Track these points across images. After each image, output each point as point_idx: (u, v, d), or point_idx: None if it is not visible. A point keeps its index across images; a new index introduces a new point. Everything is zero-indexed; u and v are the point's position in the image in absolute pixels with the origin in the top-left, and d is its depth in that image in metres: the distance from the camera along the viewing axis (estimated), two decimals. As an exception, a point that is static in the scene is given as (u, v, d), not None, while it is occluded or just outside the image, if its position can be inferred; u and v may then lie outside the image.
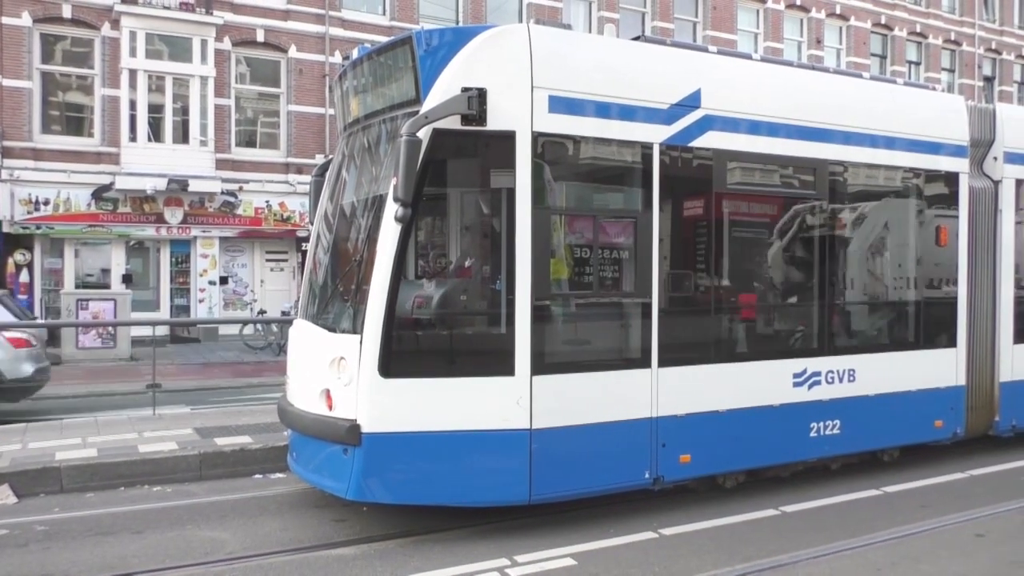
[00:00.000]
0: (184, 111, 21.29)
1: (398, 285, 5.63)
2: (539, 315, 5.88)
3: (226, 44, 21.93)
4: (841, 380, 7.36)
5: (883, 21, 31.25)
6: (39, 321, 16.07)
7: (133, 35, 20.61)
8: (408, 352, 5.83)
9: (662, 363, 6.37)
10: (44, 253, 20.81)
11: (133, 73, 20.59)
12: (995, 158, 8.55)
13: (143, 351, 16.75)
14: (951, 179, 8.16)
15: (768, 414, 6.92)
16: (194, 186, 21.03)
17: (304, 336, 6.53)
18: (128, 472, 7.31)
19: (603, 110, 6.20)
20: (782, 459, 7.22)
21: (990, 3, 34.78)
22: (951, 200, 8.20)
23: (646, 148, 6.38)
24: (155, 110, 20.95)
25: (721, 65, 6.99)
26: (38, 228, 20.27)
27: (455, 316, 6.20)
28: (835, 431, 7.31)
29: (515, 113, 5.83)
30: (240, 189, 22.05)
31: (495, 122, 5.77)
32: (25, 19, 20.06)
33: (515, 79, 5.84)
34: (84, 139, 21.07)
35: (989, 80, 34.48)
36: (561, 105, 5.99)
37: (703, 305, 6.81)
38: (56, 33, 20.80)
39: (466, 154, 6.10)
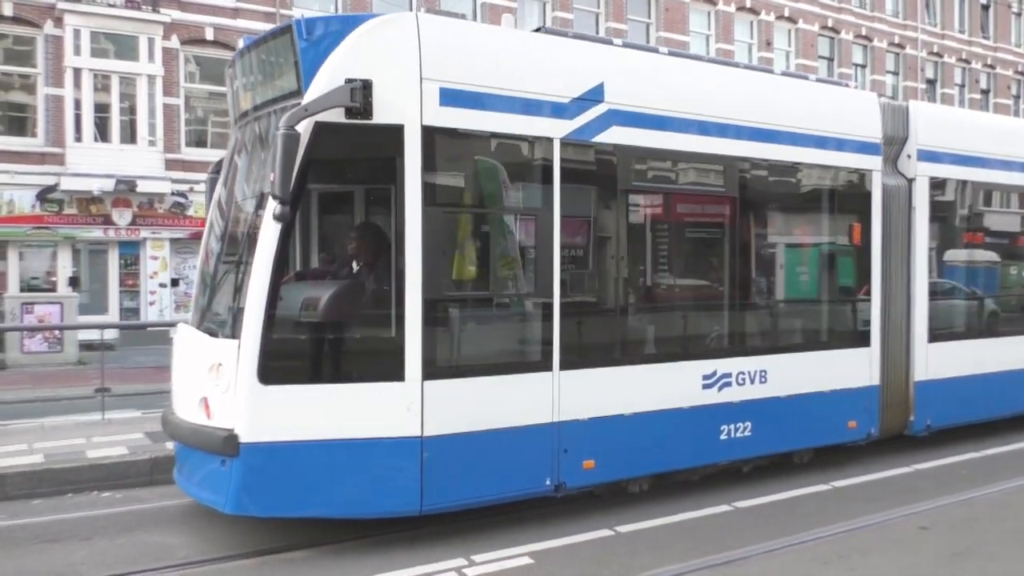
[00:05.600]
0: (132, 111, 20.84)
1: (278, 287, 5.38)
2: (430, 317, 5.63)
3: (174, 42, 21.52)
4: (752, 381, 7.20)
5: (830, 24, 31.90)
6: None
7: (77, 33, 20.12)
8: (289, 357, 5.55)
9: (564, 366, 6.14)
10: (-14, 256, 20.23)
11: (78, 72, 20.10)
12: (908, 156, 8.53)
13: (92, 355, 16.39)
14: (864, 177, 8.10)
15: (677, 417, 6.74)
16: (143, 187, 20.61)
17: (186, 341, 6.26)
18: (76, 478, 7.14)
19: (499, 103, 5.93)
20: (692, 463, 7.06)
21: (932, 7, 35.69)
22: (864, 198, 8.11)
23: (546, 143, 6.13)
24: (101, 109, 20.47)
25: (627, 58, 6.82)
26: (-20, 230, 19.70)
27: (341, 319, 5.77)
28: (746, 433, 7.15)
29: (403, 106, 5.55)
30: (191, 190, 21.63)
31: (382, 115, 5.49)
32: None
33: (402, 70, 5.57)
34: (27, 139, 20.49)
35: (931, 83, 35.40)
36: (453, 98, 5.73)
37: (608, 306, 6.62)
38: (-4, 30, 20.26)
39: (352, 149, 5.84)
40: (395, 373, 5.53)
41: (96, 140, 20.40)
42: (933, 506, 6.80)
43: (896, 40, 33.95)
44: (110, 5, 20.53)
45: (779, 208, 7.88)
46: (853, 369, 7.99)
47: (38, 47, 20.42)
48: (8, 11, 19.92)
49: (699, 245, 7.48)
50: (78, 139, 20.18)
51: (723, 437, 7.04)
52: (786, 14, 30.64)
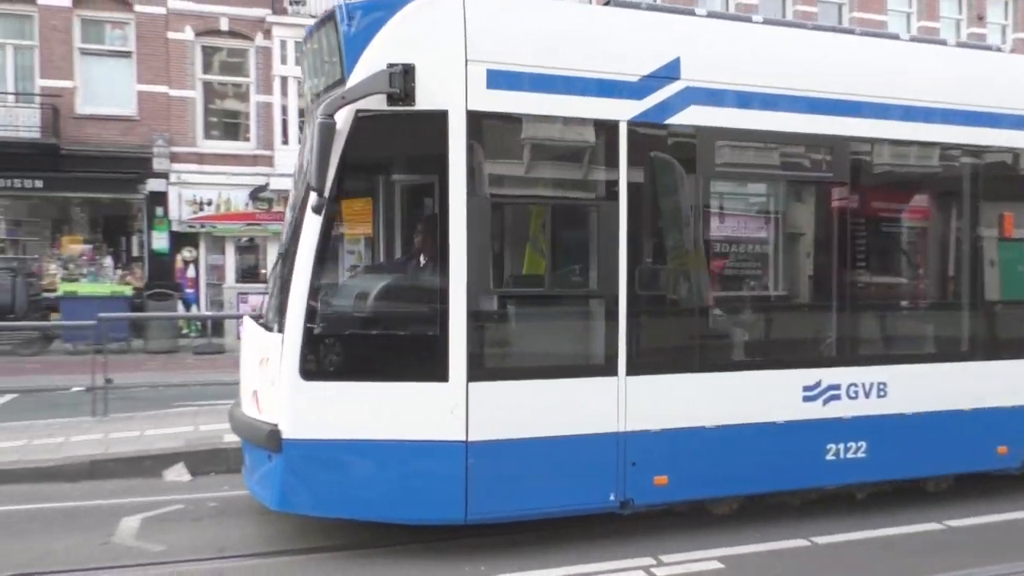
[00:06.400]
0: (331, 114, 22.25)
1: (320, 281, 5.22)
2: (476, 315, 5.28)
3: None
4: (867, 395, 6.23)
5: (1054, -8, 28.84)
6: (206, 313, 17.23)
7: (283, 44, 21.72)
8: (330, 353, 5.30)
9: (631, 370, 5.58)
10: (208, 250, 22.28)
11: (284, 80, 21.73)
12: None
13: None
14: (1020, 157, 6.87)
15: (770, 432, 5.97)
16: (340, 185, 21.96)
17: (247, 335, 6.20)
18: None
19: (554, 84, 5.46)
20: (789, 484, 6.24)
21: None
22: (1019, 182, 6.89)
23: (610, 126, 5.59)
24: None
25: (709, 30, 6.07)
26: (202, 227, 21.74)
27: (384, 315, 5.54)
28: (859, 455, 6.21)
29: (447, 90, 5.21)
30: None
31: (425, 101, 5.17)
32: (188, 33, 21.50)
33: (446, 52, 5.23)
34: (241, 143, 22.42)
35: None
36: (502, 80, 5.31)
37: (685, 305, 5.94)
38: (215, 45, 22.19)
39: (396, 137, 5.53)
40: (438, 373, 5.23)
41: (300, 143, 21.91)
42: None
43: None
44: (312, 17, 21.98)
45: (907, 193, 6.85)
46: (1003, 385, 6.73)
47: (249, 58, 22.27)
48: (224, 26, 21.84)
49: (797, 237, 6.61)
50: (285, 142, 21.84)
51: (829, 458, 6.15)
52: (1001, -16, 28.00)
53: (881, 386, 6.30)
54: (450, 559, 5.48)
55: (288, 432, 5.21)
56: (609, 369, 5.58)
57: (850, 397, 6.20)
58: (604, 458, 5.58)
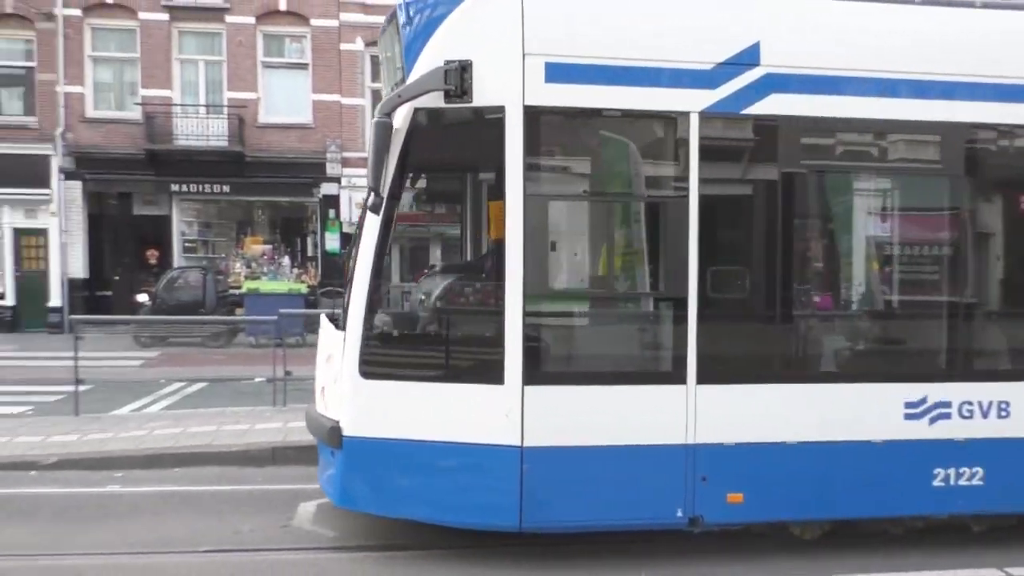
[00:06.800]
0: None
1: (379, 280, 5.20)
2: (534, 316, 5.12)
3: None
4: (985, 415, 5.49)
5: None
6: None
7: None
8: (387, 352, 5.33)
9: (702, 379, 5.21)
10: (375, 250, 23.28)
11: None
12: None
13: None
14: None
15: (866, 452, 5.39)
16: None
17: (321, 333, 6.22)
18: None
19: (616, 76, 5.15)
20: (888, 511, 5.62)
21: None
22: None
23: (680, 118, 5.25)
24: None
25: (795, 10, 5.51)
26: (369, 228, 22.76)
27: (440, 315, 5.49)
28: (975, 481, 5.47)
29: (503, 85, 5.04)
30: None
31: (481, 97, 5.02)
32: (358, 44, 22.54)
33: (503, 47, 5.05)
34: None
35: None
36: (561, 73, 5.10)
37: (765, 309, 5.48)
38: (384, 53, 23.19)
39: (454, 135, 5.41)
40: (493, 375, 5.07)
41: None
42: None
43: None
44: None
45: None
46: None
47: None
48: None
49: (895, 237, 5.98)
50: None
51: (937, 483, 5.47)
52: None
53: (1003, 405, 5.53)
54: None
55: (348, 429, 5.23)
56: (677, 377, 5.24)
57: (963, 416, 5.49)
58: (670, 471, 5.24)
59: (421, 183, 6.12)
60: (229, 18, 21.96)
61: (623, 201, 5.68)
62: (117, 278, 21.94)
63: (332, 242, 22.52)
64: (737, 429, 5.29)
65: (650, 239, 5.54)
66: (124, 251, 22.33)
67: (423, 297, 5.62)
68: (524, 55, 5.06)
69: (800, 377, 5.49)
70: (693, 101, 5.24)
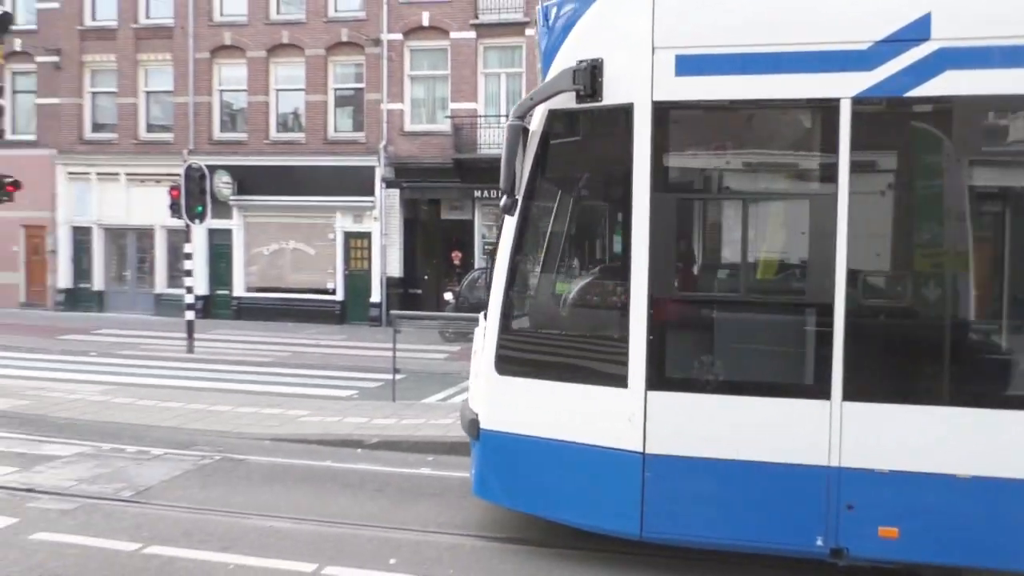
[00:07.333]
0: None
1: (513, 280, 5.37)
2: (660, 319, 4.91)
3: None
4: None
5: None
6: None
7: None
8: (520, 350, 5.46)
9: (849, 395, 4.63)
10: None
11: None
12: None
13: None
14: None
15: None
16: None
17: (478, 329, 6.20)
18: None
19: (752, 64, 4.77)
20: None
21: None
22: None
23: (826, 105, 4.69)
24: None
25: None
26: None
27: (569, 315, 5.64)
28: None
29: (631, 82, 4.90)
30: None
31: (611, 95, 4.97)
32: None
33: (631, 43, 4.92)
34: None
35: None
36: (692, 65, 4.83)
37: (931, 320, 4.78)
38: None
39: (585, 135, 5.43)
40: (617, 378, 5.00)
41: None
42: None
43: None
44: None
45: None
46: None
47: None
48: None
49: None
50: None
51: None
52: None
53: None
54: None
55: (484, 422, 5.51)
56: (819, 391, 4.73)
57: None
58: (808, 495, 4.77)
59: (554, 184, 6.23)
60: (529, 31, 23.09)
61: (759, 198, 5.40)
62: (426, 277, 24.03)
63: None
64: (892, 455, 4.68)
65: (791, 239, 5.28)
66: (433, 253, 24.36)
67: (554, 297, 5.85)
68: (654, 49, 4.92)
69: (972, 400, 4.65)
70: (844, 86, 4.70)
